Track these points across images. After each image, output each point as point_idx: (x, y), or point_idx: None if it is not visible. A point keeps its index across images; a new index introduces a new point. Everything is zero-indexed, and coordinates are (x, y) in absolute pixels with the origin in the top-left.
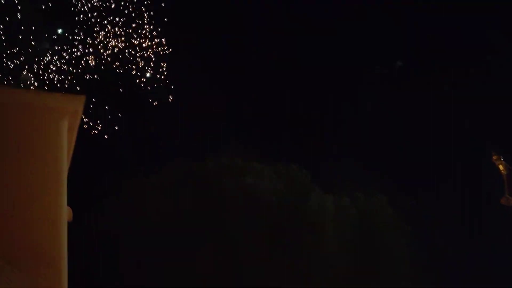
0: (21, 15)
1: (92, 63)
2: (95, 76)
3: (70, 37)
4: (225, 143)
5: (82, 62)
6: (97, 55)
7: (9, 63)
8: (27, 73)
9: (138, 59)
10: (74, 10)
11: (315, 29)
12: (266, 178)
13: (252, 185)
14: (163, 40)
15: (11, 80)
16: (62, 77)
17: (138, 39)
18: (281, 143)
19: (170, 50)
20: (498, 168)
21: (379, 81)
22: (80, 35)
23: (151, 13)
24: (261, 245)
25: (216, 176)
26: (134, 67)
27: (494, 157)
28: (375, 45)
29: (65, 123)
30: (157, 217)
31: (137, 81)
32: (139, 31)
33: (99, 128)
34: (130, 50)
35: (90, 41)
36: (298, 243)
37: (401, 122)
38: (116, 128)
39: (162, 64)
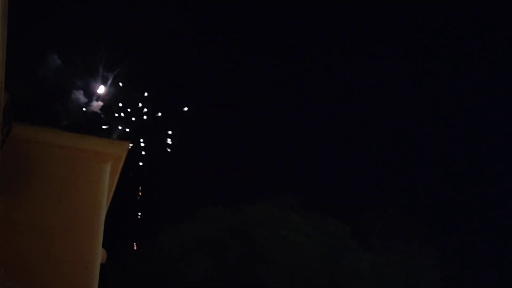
0: None
1: None
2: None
3: None
4: (262, 192)
5: None
6: None
7: None
8: None
9: None
10: None
11: None
12: (303, 232)
13: (288, 239)
14: None
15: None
16: None
17: None
18: (321, 194)
19: None
20: None
21: None
22: None
23: None
24: None
25: (253, 226)
26: None
27: None
28: None
29: (108, 167)
30: (191, 263)
31: None
32: None
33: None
34: None
35: None
36: None
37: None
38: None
39: None
